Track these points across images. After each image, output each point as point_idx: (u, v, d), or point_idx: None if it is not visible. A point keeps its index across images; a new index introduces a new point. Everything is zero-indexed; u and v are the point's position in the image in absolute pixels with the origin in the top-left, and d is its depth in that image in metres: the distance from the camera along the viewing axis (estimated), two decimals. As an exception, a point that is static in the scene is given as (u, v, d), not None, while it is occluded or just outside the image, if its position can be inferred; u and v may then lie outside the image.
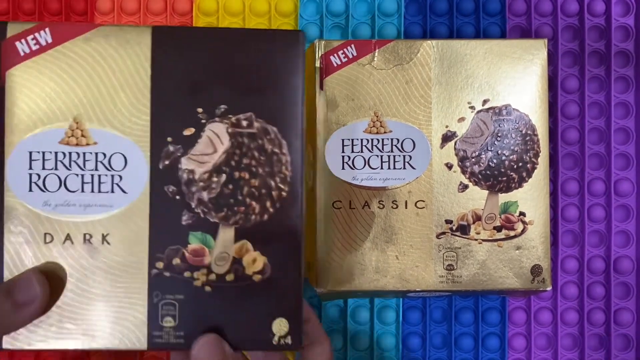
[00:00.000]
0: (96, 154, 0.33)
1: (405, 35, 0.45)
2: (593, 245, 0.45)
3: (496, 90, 0.38)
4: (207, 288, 0.33)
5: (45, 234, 0.33)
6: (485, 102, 0.38)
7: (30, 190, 0.33)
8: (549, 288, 0.38)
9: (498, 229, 0.38)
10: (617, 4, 0.45)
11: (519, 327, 0.45)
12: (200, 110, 0.33)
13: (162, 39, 0.33)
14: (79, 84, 0.33)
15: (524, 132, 0.38)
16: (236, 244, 0.33)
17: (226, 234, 0.33)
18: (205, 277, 0.33)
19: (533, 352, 0.44)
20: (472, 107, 0.38)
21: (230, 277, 0.33)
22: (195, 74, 0.33)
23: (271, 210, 0.33)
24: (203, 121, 0.33)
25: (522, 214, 0.38)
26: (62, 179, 0.33)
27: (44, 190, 0.33)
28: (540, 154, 0.38)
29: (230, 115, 0.33)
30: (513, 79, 0.38)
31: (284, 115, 0.33)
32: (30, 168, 0.33)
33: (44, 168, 0.33)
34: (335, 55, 0.39)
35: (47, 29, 0.33)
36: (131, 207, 0.33)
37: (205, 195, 0.33)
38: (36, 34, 0.33)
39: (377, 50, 0.39)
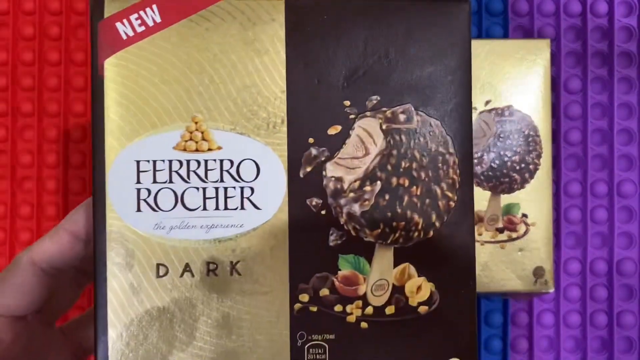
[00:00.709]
0: (221, 161, 0.26)
1: None
2: (596, 247, 0.45)
3: (498, 90, 0.37)
4: (363, 324, 0.26)
5: (158, 264, 0.26)
6: (487, 102, 0.38)
7: (139, 209, 0.26)
8: (552, 290, 0.38)
9: (500, 230, 0.38)
10: (620, 5, 0.45)
11: (521, 329, 0.44)
12: (347, 103, 0.27)
13: (299, 16, 0.26)
14: (196, 74, 0.26)
15: (526, 133, 0.38)
16: (396, 269, 0.27)
17: (384, 256, 0.27)
18: (360, 311, 0.26)
19: (535, 355, 0.44)
20: (474, 108, 0.37)
21: (390, 310, 0.27)
22: (340, 58, 0.26)
23: (437, 224, 0.27)
24: (352, 117, 0.27)
25: (524, 215, 0.38)
26: (179, 195, 0.26)
27: (156, 209, 0.26)
28: (542, 155, 0.38)
29: (384, 108, 0.27)
30: (515, 79, 0.37)
31: (448, 105, 0.27)
32: (138, 182, 0.26)
33: (155, 181, 0.26)
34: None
35: (154, 6, 0.26)
36: (266, 227, 0.26)
37: (357, 209, 0.26)
38: (141, 12, 0.26)
39: None
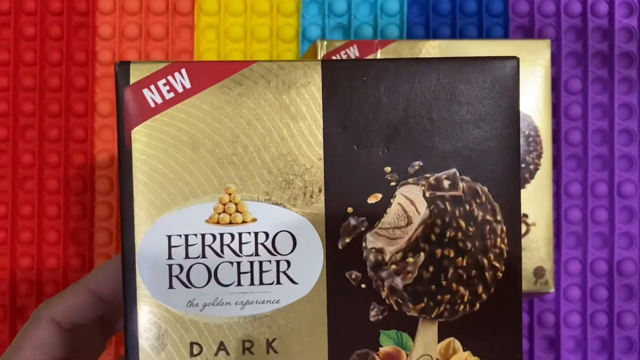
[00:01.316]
0: (256, 234, 0.25)
1: (408, 35, 0.44)
2: (596, 247, 0.45)
3: None
4: (407, 402, 0.25)
5: (191, 343, 0.25)
6: None
7: (171, 287, 0.24)
8: (552, 290, 0.37)
9: None
10: (620, 5, 0.44)
11: (522, 330, 0.43)
12: (388, 169, 0.25)
13: (336, 78, 0.25)
14: (229, 142, 0.24)
15: (526, 133, 0.37)
16: (441, 344, 0.25)
17: (427, 331, 0.25)
18: (403, 389, 0.25)
19: (536, 355, 0.44)
20: None
21: (434, 387, 0.25)
22: (380, 121, 0.25)
23: (484, 296, 0.25)
24: (392, 184, 0.25)
25: (525, 215, 0.37)
26: (212, 270, 0.25)
27: (189, 286, 0.24)
28: (543, 155, 0.37)
29: (427, 175, 0.25)
30: None
31: (496, 170, 0.25)
32: (170, 257, 0.24)
33: (187, 257, 0.24)
34: (337, 55, 0.37)
35: (183, 70, 0.24)
36: (303, 302, 0.25)
37: (399, 282, 0.25)
38: (169, 78, 0.24)
39: (379, 51, 0.37)
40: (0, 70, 0.42)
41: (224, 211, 0.24)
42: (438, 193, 0.25)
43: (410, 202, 0.25)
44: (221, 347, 0.25)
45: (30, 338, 0.27)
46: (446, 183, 0.25)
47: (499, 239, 0.25)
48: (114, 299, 0.28)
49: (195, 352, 0.24)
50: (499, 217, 0.25)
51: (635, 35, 0.44)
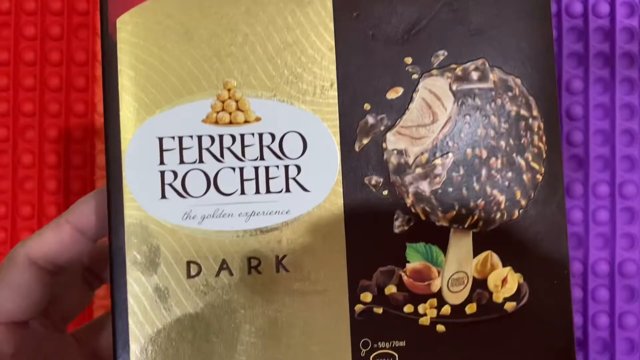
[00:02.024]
0: (260, 135, 0.21)
1: None
2: (597, 248, 0.43)
3: None
4: (440, 327, 0.22)
5: (188, 262, 0.21)
6: None
7: (164, 196, 0.21)
8: None
9: None
10: (622, 6, 0.44)
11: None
12: (409, 60, 0.22)
13: (346, -42, 0.22)
14: (227, 31, 0.21)
15: None
16: (477, 259, 0.22)
17: (461, 243, 0.22)
18: (435, 312, 0.22)
19: None
20: None
21: (471, 309, 0.22)
22: (398, 6, 0.22)
23: (523, 202, 0.22)
24: (415, 76, 0.22)
25: None
26: (211, 177, 0.21)
27: (185, 195, 0.21)
28: None
29: (453, 65, 0.22)
30: None
31: (530, 59, 0.22)
32: (162, 163, 0.21)
33: (182, 162, 0.21)
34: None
35: (174, -48, 0.22)
36: (317, 212, 0.22)
37: (426, 187, 0.22)
38: (159, -40, 0.21)
39: None
40: (0, 70, 0.42)
41: (223, 109, 0.21)
42: (466, 86, 0.22)
43: (435, 97, 0.22)
44: (223, 266, 0.21)
45: (5, 284, 0.23)
46: (475, 74, 0.22)
47: (536, 137, 0.22)
48: (98, 235, 0.25)
49: (192, 272, 0.21)
50: (534, 112, 0.22)
51: (637, 36, 0.44)
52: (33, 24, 0.41)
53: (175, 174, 0.21)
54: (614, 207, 0.43)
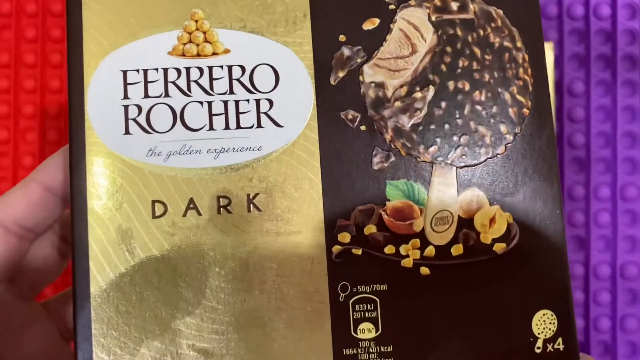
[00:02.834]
0: (230, 67, 0.20)
1: None
2: (599, 250, 0.44)
3: None
4: (423, 270, 0.20)
5: (153, 202, 0.20)
6: None
7: (127, 132, 0.20)
8: None
9: None
10: (623, 8, 0.44)
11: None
12: (385, -10, 0.21)
13: None
14: (195, -39, 0.21)
15: None
16: (462, 196, 0.21)
17: (445, 180, 0.21)
18: (418, 253, 0.20)
19: None
20: None
21: (457, 250, 0.20)
22: (372, -64, 0.21)
23: (509, 137, 0.21)
24: (391, 6, 0.21)
25: None
26: (178, 111, 0.20)
27: (150, 130, 0.20)
28: None
29: (431, -5, 0.21)
30: None
31: (512, -9, 0.21)
32: (126, 97, 0.20)
33: (147, 96, 0.20)
34: None
35: None
36: (290, 149, 0.20)
37: (405, 121, 0.21)
38: None
39: None
40: (1, 72, 0.42)
41: (190, 41, 0.20)
42: (446, 16, 0.21)
43: (413, 28, 0.21)
44: (191, 205, 0.20)
45: None
46: (454, 5, 0.21)
47: (521, 69, 0.21)
48: (64, 192, 0.23)
49: (158, 212, 0.20)
50: (518, 44, 0.21)
51: (638, 38, 0.44)
52: (34, 26, 0.41)
53: (139, 108, 0.20)
54: (616, 210, 0.43)
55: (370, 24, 0.21)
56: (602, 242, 0.43)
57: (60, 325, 0.25)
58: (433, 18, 0.21)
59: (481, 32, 0.21)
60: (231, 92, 0.20)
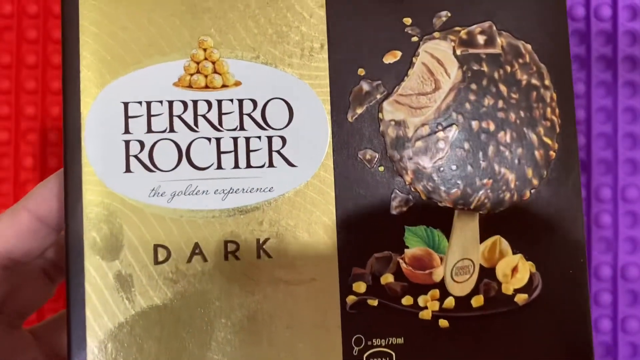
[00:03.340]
0: (240, 102, 0.19)
1: None
2: (600, 251, 0.43)
3: None
4: (443, 322, 0.19)
5: (156, 246, 0.18)
6: None
7: (128, 170, 0.18)
8: None
9: None
10: (624, 9, 0.44)
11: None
12: (408, 20, 0.20)
13: None
14: (204, -17, 0.19)
15: None
16: (484, 244, 0.20)
17: (466, 227, 0.19)
18: (437, 305, 0.19)
19: None
20: None
21: (477, 302, 0.19)
22: (396, -38, 0.20)
23: (535, 182, 0.20)
24: (414, 39, 0.20)
25: None
26: (184, 148, 0.19)
27: (152, 169, 0.18)
28: None
29: (457, 28, 0.20)
30: None
31: (542, 24, 0.20)
32: (127, 131, 0.18)
33: (150, 130, 0.19)
34: None
35: None
36: (304, 190, 0.19)
37: (427, 163, 0.19)
38: None
39: None
40: (3, 73, 0.42)
41: (198, 71, 0.19)
42: (471, 50, 0.20)
43: (437, 62, 0.20)
44: (196, 250, 0.18)
45: None
46: (481, 38, 0.20)
47: (549, 109, 0.20)
48: (60, 223, 0.22)
49: (160, 258, 0.18)
50: (546, 82, 0.20)
51: (639, 39, 0.44)
52: (35, 27, 0.41)
53: (142, 144, 0.18)
54: (617, 211, 0.43)
55: (392, 57, 0.19)
56: (603, 244, 0.43)
57: (49, 353, 0.24)
58: (458, 52, 0.20)
59: (508, 69, 0.20)
60: (241, 128, 0.19)
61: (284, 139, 0.19)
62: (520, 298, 0.20)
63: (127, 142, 0.18)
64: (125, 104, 0.18)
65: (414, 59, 0.20)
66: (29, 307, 0.24)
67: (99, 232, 0.18)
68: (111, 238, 0.18)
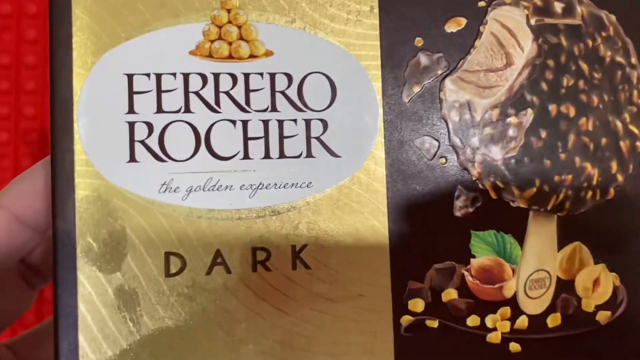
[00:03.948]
0: (272, 76, 0.15)
1: None
2: None
3: None
4: (513, 346, 0.16)
5: (167, 254, 0.15)
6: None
7: (133, 159, 0.15)
8: None
9: None
10: None
11: None
12: (474, -19, 0.16)
13: None
14: None
15: None
16: (562, 252, 0.16)
17: (543, 231, 0.16)
18: (507, 325, 0.16)
19: None
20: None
21: (554, 321, 0.16)
22: None
23: (620, 178, 0.17)
24: (481, 3, 0.16)
25: None
26: (202, 133, 0.15)
27: (164, 158, 0.15)
28: None
29: (531, -8, 0.17)
30: None
31: (628, -8, 0.17)
32: (132, 111, 0.15)
33: (161, 110, 0.15)
34: None
35: None
36: (349, 186, 0.15)
37: (497, 154, 0.16)
38: None
39: None
40: (2, 74, 0.42)
41: (220, 37, 0.15)
42: (547, 20, 0.16)
43: (508, 32, 0.16)
44: (217, 259, 0.15)
45: None
46: (558, 6, 0.17)
47: (635, 92, 0.17)
48: (39, 223, 0.18)
49: (173, 269, 0.15)
50: (633, 60, 0.17)
51: None
52: (34, 27, 0.41)
53: (150, 127, 0.15)
54: None
55: (455, 25, 0.16)
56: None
57: None
58: (532, 21, 0.16)
59: (590, 43, 0.17)
60: (273, 109, 0.15)
61: (324, 123, 0.15)
62: (603, 316, 0.16)
63: (131, 124, 0.15)
64: (130, 76, 0.15)
65: (481, 28, 0.16)
66: (6, 317, 0.20)
67: (95, 237, 0.14)
68: (111, 244, 0.14)
